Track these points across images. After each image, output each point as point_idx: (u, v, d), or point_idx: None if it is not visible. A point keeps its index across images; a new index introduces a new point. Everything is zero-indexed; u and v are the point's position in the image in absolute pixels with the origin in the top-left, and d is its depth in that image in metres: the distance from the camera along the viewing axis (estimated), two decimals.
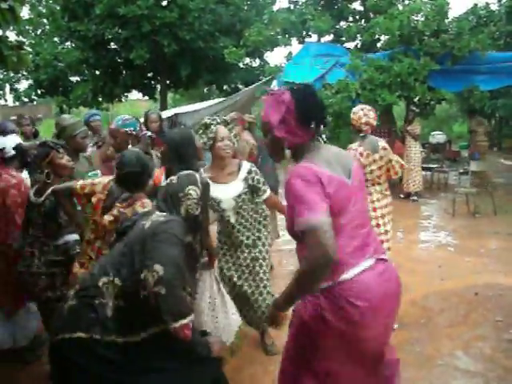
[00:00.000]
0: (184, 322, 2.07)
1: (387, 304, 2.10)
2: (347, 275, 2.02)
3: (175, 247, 2.16)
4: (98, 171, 4.20)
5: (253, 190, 3.66)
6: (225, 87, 19.70)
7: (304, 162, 2.14)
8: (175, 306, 2.05)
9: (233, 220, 3.67)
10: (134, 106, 27.70)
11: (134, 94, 22.14)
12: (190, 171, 2.61)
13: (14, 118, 7.07)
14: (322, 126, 2.23)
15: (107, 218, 2.98)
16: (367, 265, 2.07)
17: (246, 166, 3.68)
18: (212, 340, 2.45)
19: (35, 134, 6.12)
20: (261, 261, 3.78)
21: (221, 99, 12.56)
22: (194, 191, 2.44)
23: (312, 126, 2.17)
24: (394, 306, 2.18)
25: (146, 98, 20.91)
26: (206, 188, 2.55)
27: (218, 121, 3.63)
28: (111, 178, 3.21)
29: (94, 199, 3.15)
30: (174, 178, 2.52)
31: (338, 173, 2.10)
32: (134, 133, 4.30)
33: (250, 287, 3.78)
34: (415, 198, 10.60)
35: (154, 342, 2.15)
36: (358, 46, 12.88)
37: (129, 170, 2.96)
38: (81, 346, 2.07)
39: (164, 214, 2.35)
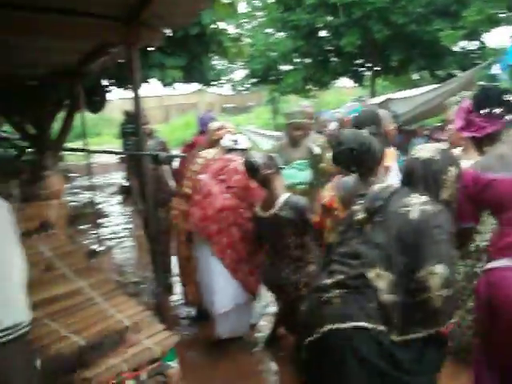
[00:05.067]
0: (453, 320, 2.01)
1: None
2: (489, 266, 2.30)
3: (450, 244, 2.00)
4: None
5: None
6: (438, 73, 18.70)
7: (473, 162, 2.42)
8: (454, 306, 2.01)
9: None
10: (339, 93, 27.77)
11: (341, 81, 22.24)
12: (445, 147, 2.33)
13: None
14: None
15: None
16: (504, 263, 2.20)
17: None
18: None
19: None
20: None
21: (435, 85, 11.86)
22: (452, 173, 2.17)
23: (493, 111, 2.34)
24: None
25: (352, 85, 20.84)
26: (460, 169, 2.25)
27: None
28: (338, 176, 3.12)
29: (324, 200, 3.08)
30: (433, 153, 2.19)
31: (506, 168, 2.23)
32: None
33: None
34: None
35: (425, 343, 2.01)
36: None
37: (344, 147, 2.82)
38: (362, 336, 1.97)
39: (424, 198, 2.10)
